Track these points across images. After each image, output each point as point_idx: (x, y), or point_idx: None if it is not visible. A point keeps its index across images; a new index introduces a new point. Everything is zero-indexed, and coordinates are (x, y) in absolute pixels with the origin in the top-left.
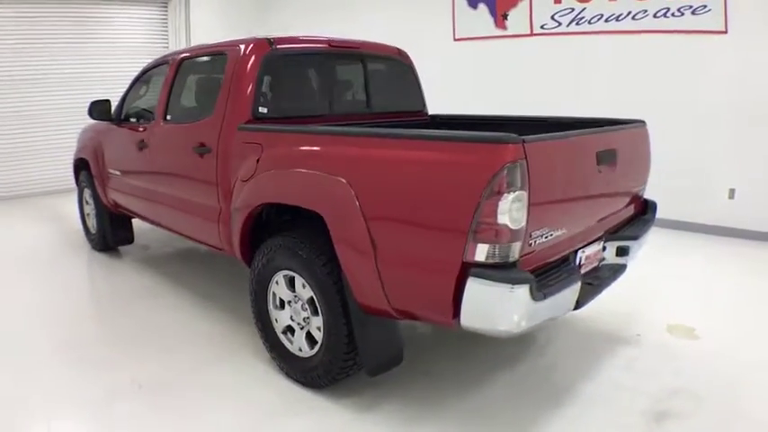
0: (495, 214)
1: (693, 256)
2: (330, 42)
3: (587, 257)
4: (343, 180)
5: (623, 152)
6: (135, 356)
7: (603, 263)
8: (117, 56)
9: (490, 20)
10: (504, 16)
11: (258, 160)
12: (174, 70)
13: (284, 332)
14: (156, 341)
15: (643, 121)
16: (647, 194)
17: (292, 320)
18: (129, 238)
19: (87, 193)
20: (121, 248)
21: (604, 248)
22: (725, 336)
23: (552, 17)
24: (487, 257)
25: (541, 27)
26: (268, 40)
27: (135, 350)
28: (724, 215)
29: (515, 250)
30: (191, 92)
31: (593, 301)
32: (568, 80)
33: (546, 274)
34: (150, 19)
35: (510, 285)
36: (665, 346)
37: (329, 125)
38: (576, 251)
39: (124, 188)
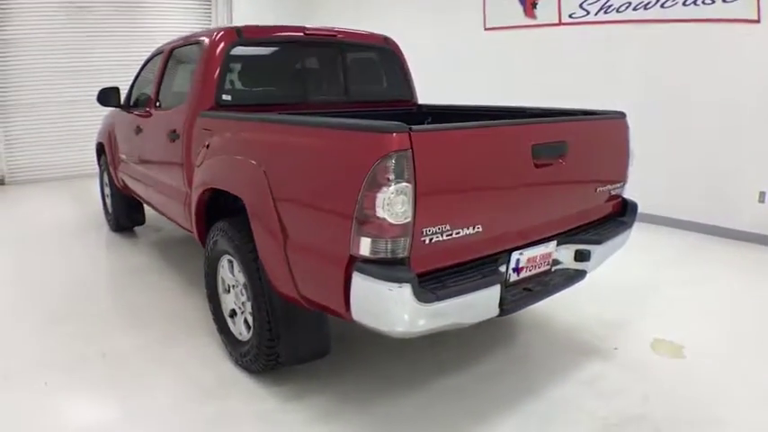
0: (374, 207)
1: (713, 263)
2: (305, 31)
3: (529, 260)
4: (255, 163)
5: (580, 146)
6: (109, 330)
7: (558, 267)
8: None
9: (520, 9)
10: (534, 5)
11: (207, 146)
12: (165, 58)
13: (230, 315)
14: (132, 317)
15: (621, 113)
16: (662, 193)
17: (235, 304)
18: (141, 220)
19: (106, 176)
20: (136, 230)
21: (562, 252)
22: (717, 360)
23: (581, 5)
24: (372, 252)
25: (570, 16)
26: (236, 29)
27: (111, 324)
28: (754, 220)
29: (402, 247)
30: (174, 80)
31: (583, 308)
32: (596, 70)
33: (451, 274)
34: (193, 9)
35: (389, 284)
36: (642, 363)
37: (296, 113)
38: (507, 252)
39: (129, 171)
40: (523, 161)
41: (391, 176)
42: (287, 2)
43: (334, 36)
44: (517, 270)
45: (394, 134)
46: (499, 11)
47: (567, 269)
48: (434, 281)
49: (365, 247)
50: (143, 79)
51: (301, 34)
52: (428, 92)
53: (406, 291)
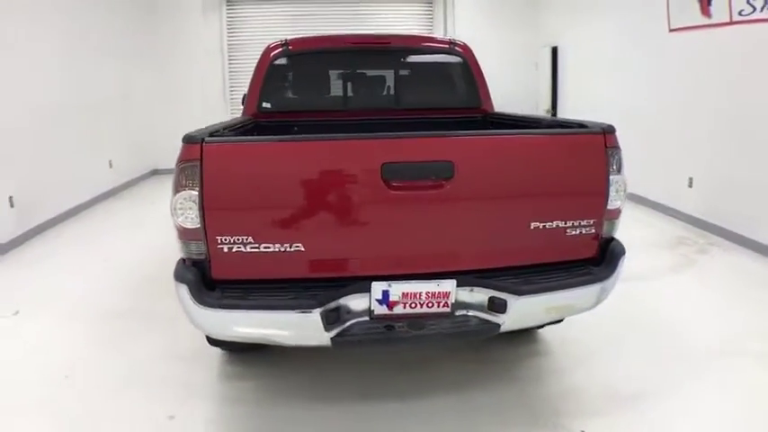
0: (174, 210)
1: None
2: (353, 40)
3: (406, 295)
4: None
5: (479, 168)
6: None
7: (468, 313)
8: None
9: (696, 6)
10: (709, 1)
11: None
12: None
13: None
14: None
15: (599, 128)
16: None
17: None
18: None
19: None
20: None
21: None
22: None
23: (748, 1)
24: (184, 252)
25: (739, 13)
26: (284, 41)
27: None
28: None
29: (198, 250)
30: None
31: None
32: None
33: (266, 289)
34: (417, 15)
35: (176, 282)
36: None
37: (340, 120)
38: (363, 279)
39: None
40: (369, 181)
41: (183, 183)
42: (511, 4)
43: (387, 43)
44: (387, 303)
45: (191, 145)
46: (681, 9)
47: (477, 317)
48: (240, 290)
49: (179, 247)
50: None
51: (348, 43)
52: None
53: (183, 290)
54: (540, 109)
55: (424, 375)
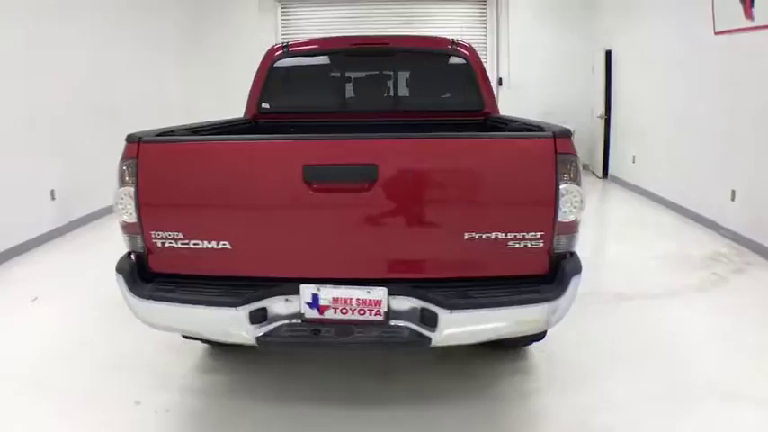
0: (114, 205)
1: None
2: (352, 41)
3: (336, 300)
4: None
5: (406, 173)
6: None
7: (403, 323)
8: None
9: (739, 8)
10: (752, 3)
11: None
12: None
13: None
14: None
15: (553, 131)
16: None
17: None
18: None
19: None
20: None
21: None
22: None
23: None
24: (129, 246)
25: None
26: (285, 44)
27: None
28: None
29: (137, 244)
30: None
31: None
32: None
33: (196, 284)
34: (470, 16)
35: (115, 273)
36: None
37: (337, 121)
38: (292, 281)
39: None
40: (292, 183)
41: (124, 180)
42: (566, 7)
43: (386, 44)
44: (317, 307)
45: (131, 144)
46: (727, 10)
47: (410, 329)
48: (173, 284)
49: (123, 240)
50: None
51: (347, 45)
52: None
53: (120, 280)
54: (595, 115)
55: (397, 385)
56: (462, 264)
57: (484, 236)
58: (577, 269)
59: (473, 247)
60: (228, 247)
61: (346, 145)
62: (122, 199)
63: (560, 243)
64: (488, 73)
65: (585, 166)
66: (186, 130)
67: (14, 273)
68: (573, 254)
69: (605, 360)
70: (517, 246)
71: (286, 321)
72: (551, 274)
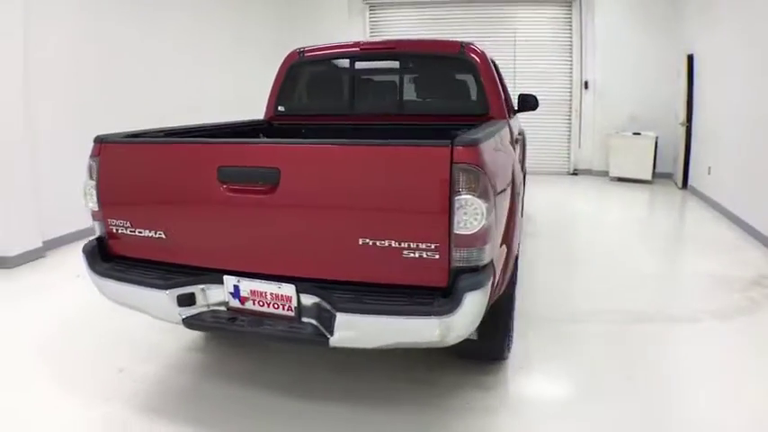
0: (82, 194)
1: None
2: (360, 46)
3: (254, 293)
4: None
5: (305, 177)
6: None
7: (308, 320)
8: (523, 53)
9: None
10: None
11: None
12: None
13: None
14: None
15: (454, 139)
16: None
17: None
18: None
19: None
20: None
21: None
22: None
23: None
24: (95, 229)
25: None
26: (300, 49)
27: None
28: None
29: (100, 229)
30: None
31: None
32: None
33: (142, 267)
34: (555, 18)
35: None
36: None
37: (347, 124)
38: (216, 272)
39: None
40: (209, 182)
41: (90, 174)
42: (652, 10)
43: (392, 48)
44: (239, 297)
45: (95, 143)
46: None
47: (314, 326)
48: (126, 266)
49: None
50: None
51: (357, 49)
52: None
53: (83, 258)
54: (678, 121)
55: (359, 384)
56: (359, 268)
57: (378, 242)
58: (475, 286)
59: (368, 253)
60: (163, 236)
61: (254, 149)
62: (89, 190)
63: (460, 256)
64: (573, 75)
65: (669, 176)
66: (187, 129)
67: (73, 252)
68: (477, 269)
69: (591, 388)
70: (412, 255)
71: (214, 308)
72: (449, 289)
